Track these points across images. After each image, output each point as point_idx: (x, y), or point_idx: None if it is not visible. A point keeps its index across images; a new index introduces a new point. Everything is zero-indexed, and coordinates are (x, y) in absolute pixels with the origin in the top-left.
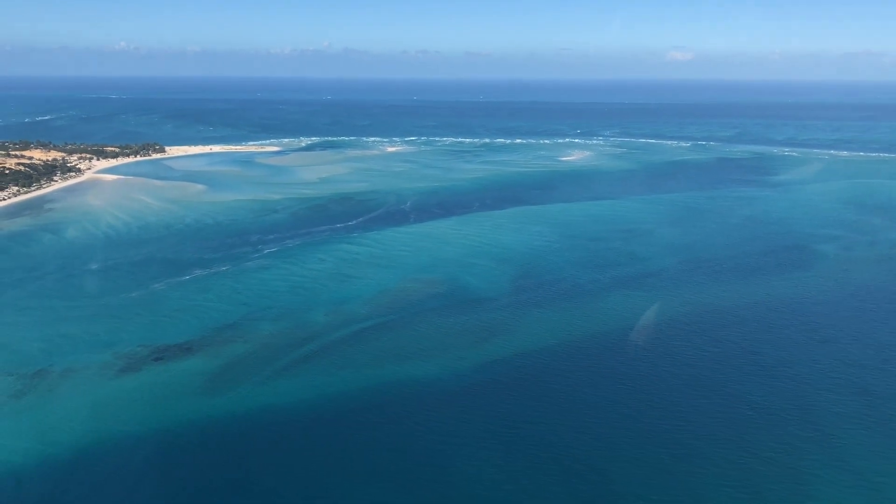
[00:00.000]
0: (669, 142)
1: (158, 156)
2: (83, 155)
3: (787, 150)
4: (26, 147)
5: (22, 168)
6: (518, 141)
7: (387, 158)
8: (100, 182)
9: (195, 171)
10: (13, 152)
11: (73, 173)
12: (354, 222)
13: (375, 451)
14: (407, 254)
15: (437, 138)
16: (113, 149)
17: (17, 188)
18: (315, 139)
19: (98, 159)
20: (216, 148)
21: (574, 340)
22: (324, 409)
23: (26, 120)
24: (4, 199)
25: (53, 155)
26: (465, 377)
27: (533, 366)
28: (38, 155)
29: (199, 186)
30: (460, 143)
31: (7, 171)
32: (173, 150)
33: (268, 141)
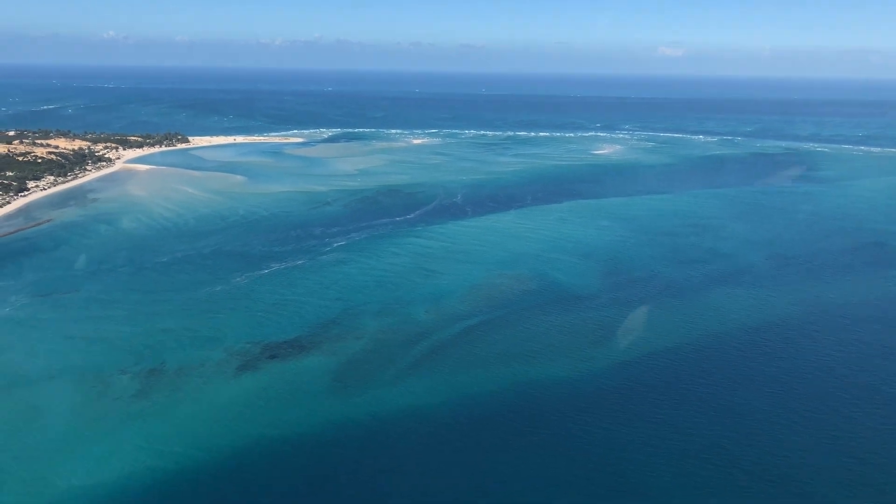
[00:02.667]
0: (694, 136)
1: (183, 146)
2: (108, 144)
3: (817, 146)
4: (47, 136)
5: (53, 157)
6: (542, 134)
7: (417, 151)
8: (135, 172)
9: (228, 162)
10: (38, 141)
11: (104, 163)
12: (412, 215)
13: (537, 455)
14: (481, 248)
15: (458, 131)
16: (136, 138)
17: (52, 177)
18: (336, 130)
19: (124, 149)
20: (239, 138)
21: (696, 340)
22: (461, 410)
23: (33, 109)
24: (44, 189)
25: (78, 144)
26: (601, 378)
27: (666, 367)
28: (62, 144)
29: (239, 177)
30: (483, 135)
31: (39, 161)
32: (197, 141)
33: (289, 132)
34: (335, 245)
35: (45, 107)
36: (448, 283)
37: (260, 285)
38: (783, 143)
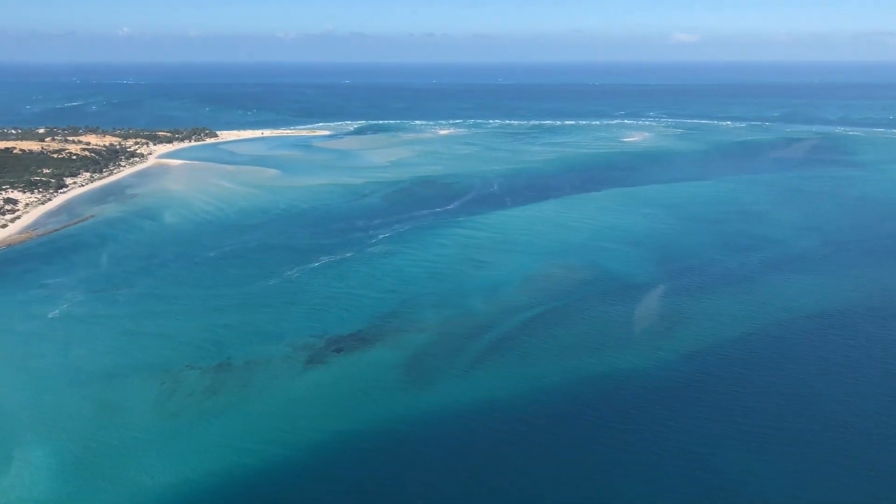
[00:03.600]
0: (721, 122)
1: (212, 140)
2: (138, 140)
3: (849, 130)
4: (76, 133)
5: (87, 154)
6: (568, 123)
7: (445, 141)
8: (168, 167)
9: (259, 156)
10: (70, 138)
11: (137, 158)
12: (452, 206)
13: (623, 448)
14: (528, 238)
15: (482, 121)
16: (165, 133)
17: (88, 174)
18: (361, 123)
19: (154, 144)
20: (267, 132)
21: (762, 328)
22: (535, 404)
23: (57, 106)
24: (82, 185)
25: (109, 140)
26: (672, 370)
27: (736, 357)
28: (94, 140)
29: (272, 171)
30: (509, 125)
31: (74, 157)
32: (225, 135)
33: (315, 125)
34: (380, 237)
35: (70, 104)
36: (501, 274)
37: (312, 278)
38: (814, 128)
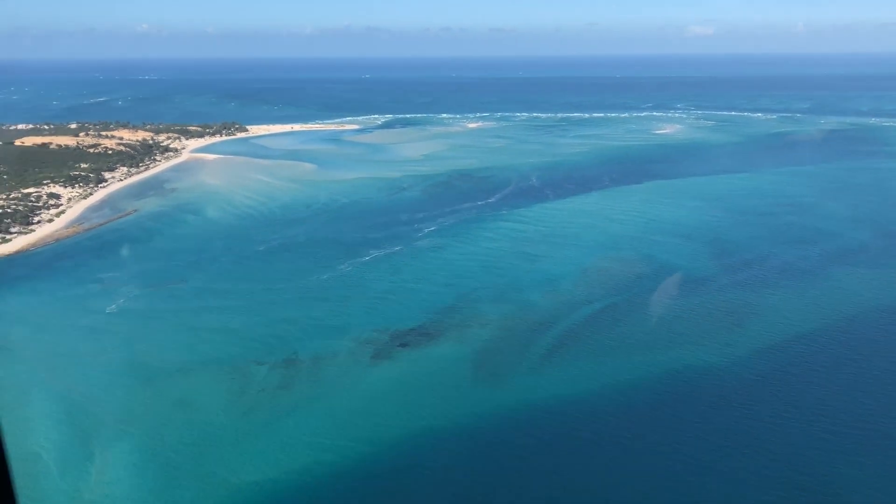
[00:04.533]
0: (752, 114)
1: (243, 135)
2: (170, 135)
3: (884, 121)
4: (107, 127)
5: (122, 148)
6: (596, 115)
7: (475, 135)
8: (203, 161)
9: (292, 150)
10: (103, 133)
11: (172, 153)
12: (493, 199)
13: (707, 447)
14: (576, 231)
15: (509, 114)
16: (196, 128)
17: (125, 168)
18: (388, 117)
19: (186, 139)
20: (296, 126)
21: (831, 322)
22: (612, 401)
23: (84, 102)
24: (121, 180)
25: (142, 135)
26: (748, 366)
27: (809, 351)
28: (126, 135)
29: (308, 165)
30: (536, 117)
31: (110, 152)
32: (256, 130)
33: (343, 119)
34: (426, 231)
35: (96, 99)
36: (556, 267)
37: (366, 272)
38: (847, 119)
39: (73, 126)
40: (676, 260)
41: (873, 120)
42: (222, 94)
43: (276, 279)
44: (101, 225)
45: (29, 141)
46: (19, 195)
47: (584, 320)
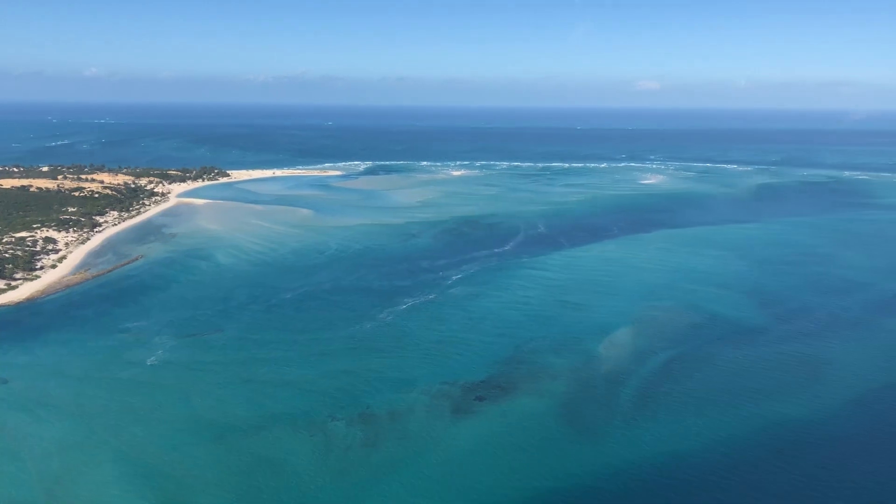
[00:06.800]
0: (727, 165)
1: (226, 180)
2: (151, 178)
3: (858, 175)
4: (82, 171)
5: (109, 192)
6: (575, 165)
7: (463, 182)
8: (193, 206)
9: (282, 195)
10: (82, 176)
11: (158, 197)
12: (509, 247)
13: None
14: (609, 280)
15: (489, 162)
16: (175, 172)
17: (116, 213)
18: (368, 163)
19: (168, 183)
20: (278, 172)
21: None
22: (721, 454)
23: (47, 145)
24: (115, 224)
25: (122, 179)
26: (846, 418)
27: None
28: (106, 178)
29: (305, 211)
30: (517, 166)
31: (97, 195)
32: (237, 174)
33: (323, 165)
34: (454, 278)
35: (59, 142)
36: (604, 317)
37: (408, 321)
38: (822, 172)
39: (45, 169)
40: (723, 310)
41: (847, 173)
42: (189, 139)
43: (317, 329)
44: (110, 271)
45: (7, 183)
46: (12, 239)
47: (657, 372)
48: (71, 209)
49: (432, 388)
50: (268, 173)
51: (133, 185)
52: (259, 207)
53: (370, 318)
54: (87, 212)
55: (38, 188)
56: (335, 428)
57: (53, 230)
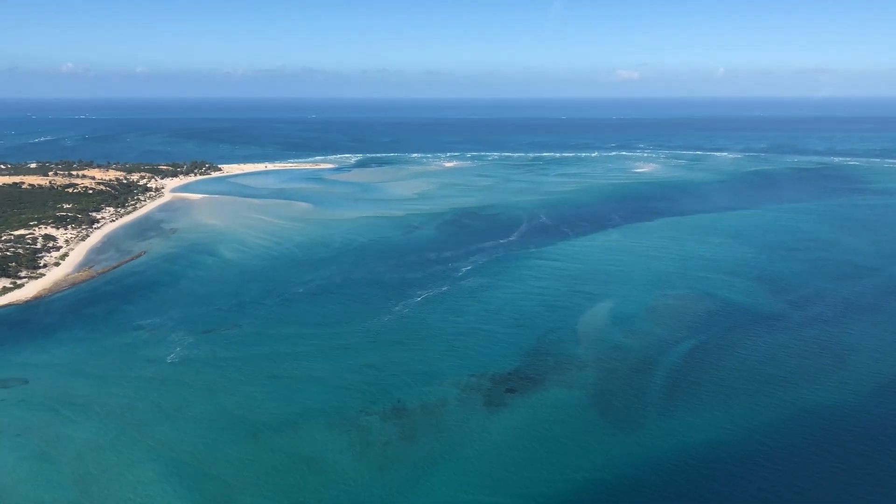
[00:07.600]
0: (717, 153)
1: (218, 174)
2: (142, 174)
3: (848, 160)
4: (71, 167)
5: (103, 188)
6: (566, 155)
7: (456, 173)
8: (190, 201)
9: (278, 189)
10: (73, 172)
11: (152, 192)
12: (513, 237)
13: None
14: (618, 269)
15: (479, 153)
16: (166, 167)
17: (112, 209)
18: (359, 156)
19: (160, 178)
20: (269, 166)
21: None
22: (759, 442)
23: (30, 141)
24: (113, 221)
25: (113, 174)
26: (877, 405)
27: None
28: (97, 174)
29: (303, 204)
30: (508, 157)
31: (91, 192)
32: (229, 168)
33: (314, 158)
34: (464, 270)
35: (42, 139)
36: (620, 306)
37: (426, 314)
38: (810, 158)
39: (34, 165)
40: (737, 297)
41: (836, 159)
42: (173, 134)
43: (335, 322)
44: (115, 268)
45: None
46: (11, 237)
47: (683, 361)
48: (66, 206)
49: (461, 381)
50: (260, 167)
51: (125, 181)
52: (257, 202)
53: (386, 311)
54: (83, 208)
55: (29, 185)
56: (369, 423)
57: (52, 227)
